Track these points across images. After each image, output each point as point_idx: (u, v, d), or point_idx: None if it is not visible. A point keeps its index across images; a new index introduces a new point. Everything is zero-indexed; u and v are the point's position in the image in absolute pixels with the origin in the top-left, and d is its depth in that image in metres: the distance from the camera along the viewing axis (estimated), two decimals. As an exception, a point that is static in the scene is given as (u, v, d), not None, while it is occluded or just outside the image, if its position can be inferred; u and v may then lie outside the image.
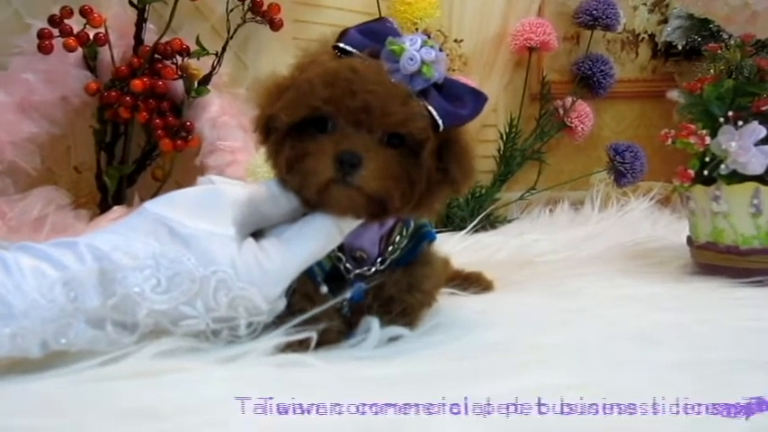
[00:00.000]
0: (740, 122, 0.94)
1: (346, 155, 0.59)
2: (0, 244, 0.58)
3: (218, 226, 0.60)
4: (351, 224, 0.64)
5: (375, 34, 0.63)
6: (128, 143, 1.31)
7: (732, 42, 1.09)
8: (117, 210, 1.21)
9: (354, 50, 0.62)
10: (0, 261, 0.54)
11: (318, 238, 0.62)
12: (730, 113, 0.95)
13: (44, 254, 0.55)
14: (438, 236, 0.74)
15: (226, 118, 1.31)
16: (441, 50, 0.63)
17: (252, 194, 0.63)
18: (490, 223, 1.61)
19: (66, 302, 0.54)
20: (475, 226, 1.39)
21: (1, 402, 0.50)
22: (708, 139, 0.96)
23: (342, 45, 0.63)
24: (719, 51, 1.07)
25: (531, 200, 1.76)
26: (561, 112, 1.76)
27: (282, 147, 0.63)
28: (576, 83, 1.79)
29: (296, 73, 0.64)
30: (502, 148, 1.74)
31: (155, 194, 1.30)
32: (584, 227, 1.51)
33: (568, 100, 1.76)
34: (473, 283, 0.91)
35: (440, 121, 0.61)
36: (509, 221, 1.68)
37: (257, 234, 0.64)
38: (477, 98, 0.64)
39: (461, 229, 1.40)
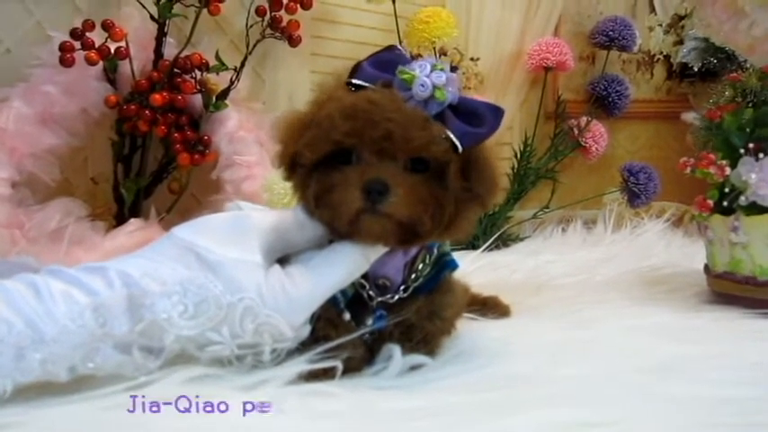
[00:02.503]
0: (761, 154, 0.94)
1: (373, 183, 0.60)
2: (27, 262, 0.59)
3: (244, 252, 0.60)
4: (377, 252, 0.64)
5: (386, 64, 0.64)
6: (145, 155, 1.31)
7: (748, 66, 1.09)
8: (134, 222, 1.21)
9: (368, 84, 0.63)
10: (32, 286, 0.54)
11: (345, 266, 0.63)
12: (751, 145, 0.95)
13: (74, 279, 0.56)
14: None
15: (243, 133, 1.31)
16: (452, 69, 0.63)
17: (278, 221, 0.64)
18: (503, 241, 1.60)
19: (96, 328, 0.55)
20: (489, 245, 1.39)
21: (29, 428, 0.51)
22: (728, 170, 0.96)
23: (355, 81, 0.63)
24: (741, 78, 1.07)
25: (543, 218, 1.76)
26: (576, 131, 1.76)
27: (309, 182, 0.63)
28: (591, 103, 1.79)
29: (314, 109, 0.65)
30: (516, 166, 1.74)
31: (171, 207, 1.31)
32: (597, 248, 1.51)
33: (583, 119, 1.76)
34: (491, 308, 0.91)
35: (458, 144, 0.62)
36: (521, 240, 1.68)
37: (283, 260, 0.64)
38: (495, 114, 0.64)
39: (474, 247, 1.40)
